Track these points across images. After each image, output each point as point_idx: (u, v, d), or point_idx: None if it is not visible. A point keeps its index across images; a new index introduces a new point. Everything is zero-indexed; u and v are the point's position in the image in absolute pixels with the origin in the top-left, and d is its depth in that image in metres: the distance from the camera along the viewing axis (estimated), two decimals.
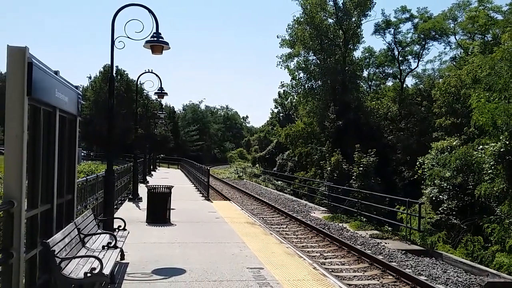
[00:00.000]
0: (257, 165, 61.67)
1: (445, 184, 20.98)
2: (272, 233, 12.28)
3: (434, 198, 21.10)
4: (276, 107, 78.23)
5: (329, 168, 28.63)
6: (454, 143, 23.47)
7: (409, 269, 11.18)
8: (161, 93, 17.41)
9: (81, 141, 60.21)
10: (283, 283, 7.03)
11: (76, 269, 5.33)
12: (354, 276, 10.50)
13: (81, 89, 7.27)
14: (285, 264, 8.29)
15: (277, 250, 9.52)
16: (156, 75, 17.00)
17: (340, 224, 17.42)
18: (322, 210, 21.85)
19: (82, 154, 54.49)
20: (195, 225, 12.55)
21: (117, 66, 66.86)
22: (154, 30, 8.75)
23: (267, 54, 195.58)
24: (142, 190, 17.33)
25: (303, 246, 13.49)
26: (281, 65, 44.38)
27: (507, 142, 17.04)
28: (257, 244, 9.97)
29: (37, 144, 5.25)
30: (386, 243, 14.04)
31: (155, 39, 8.75)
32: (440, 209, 20.15)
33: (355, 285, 9.69)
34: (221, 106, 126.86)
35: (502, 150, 17.09)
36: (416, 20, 44.84)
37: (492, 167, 17.97)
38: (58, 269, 4.95)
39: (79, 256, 5.79)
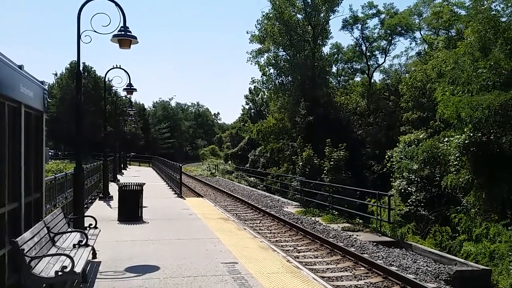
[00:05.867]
0: (229, 162, 61.57)
1: (413, 177, 21.47)
2: (246, 228, 12.29)
3: (403, 190, 21.58)
4: (247, 104, 78.09)
5: (300, 163, 28.83)
6: (421, 136, 24.04)
7: (380, 260, 11.39)
8: (130, 89, 17.15)
9: (48, 140, 58.63)
10: (257, 276, 7.05)
11: (46, 268, 5.21)
12: (327, 268, 10.64)
13: (47, 85, 7.07)
14: (259, 258, 8.32)
15: (251, 245, 9.54)
16: (125, 71, 16.73)
17: (313, 218, 17.59)
18: (295, 205, 22.00)
19: (50, 153, 53.10)
20: (168, 222, 12.44)
21: (84, 63, 65.43)
22: (122, 24, 8.58)
23: (238, 50, 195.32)
24: (113, 189, 17.04)
25: (276, 240, 13.56)
26: (252, 61, 44.58)
27: (471, 134, 17.55)
28: (231, 240, 9.97)
29: (2, 141, 5.10)
30: (357, 236, 14.25)
31: (123, 32, 8.58)
32: (409, 201, 20.62)
33: (328, 277, 9.81)
34: (192, 103, 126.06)
35: (466, 142, 17.58)
36: (382, 16, 45.70)
37: (457, 159, 18.48)
38: (28, 268, 4.83)
39: (49, 254, 5.65)
